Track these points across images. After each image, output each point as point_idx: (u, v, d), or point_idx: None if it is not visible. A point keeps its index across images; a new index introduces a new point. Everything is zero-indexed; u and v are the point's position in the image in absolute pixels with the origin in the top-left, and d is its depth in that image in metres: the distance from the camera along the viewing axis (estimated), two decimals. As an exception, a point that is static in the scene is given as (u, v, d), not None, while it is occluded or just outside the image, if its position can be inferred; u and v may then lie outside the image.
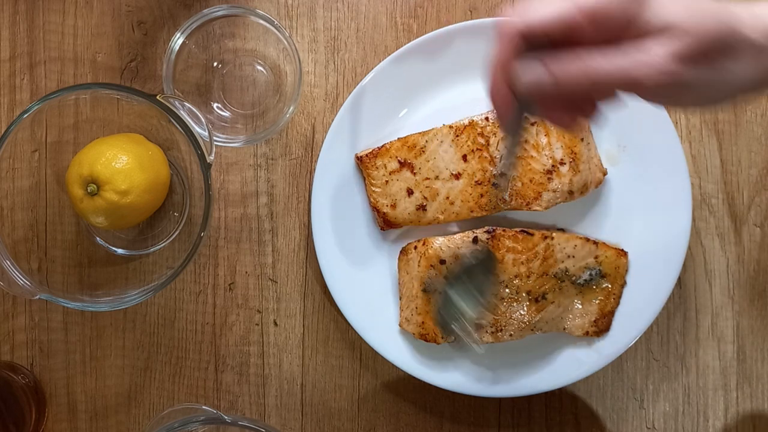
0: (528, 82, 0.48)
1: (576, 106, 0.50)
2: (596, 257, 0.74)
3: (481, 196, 0.73)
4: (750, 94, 0.50)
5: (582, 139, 0.73)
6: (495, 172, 0.55)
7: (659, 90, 0.46)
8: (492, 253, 0.62)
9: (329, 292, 0.76)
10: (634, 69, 0.46)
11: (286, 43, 0.73)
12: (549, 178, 0.72)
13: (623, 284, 0.75)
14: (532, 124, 0.72)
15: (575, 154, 0.73)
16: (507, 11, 0.48)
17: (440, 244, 0.73)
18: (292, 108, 0.74)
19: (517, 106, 0.50)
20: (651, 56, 0.46)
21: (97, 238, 0.78)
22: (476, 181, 0.73)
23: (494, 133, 0.73)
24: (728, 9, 0.48)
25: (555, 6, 0.46)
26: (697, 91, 0.48)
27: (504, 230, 0.72)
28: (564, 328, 0.75)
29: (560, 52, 0.47)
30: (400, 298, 0.76)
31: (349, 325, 0.76)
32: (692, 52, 0.46)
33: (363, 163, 0.75)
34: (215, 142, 0.71)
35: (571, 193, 0.73)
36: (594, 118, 0.51)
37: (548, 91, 0.47)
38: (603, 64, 0.46)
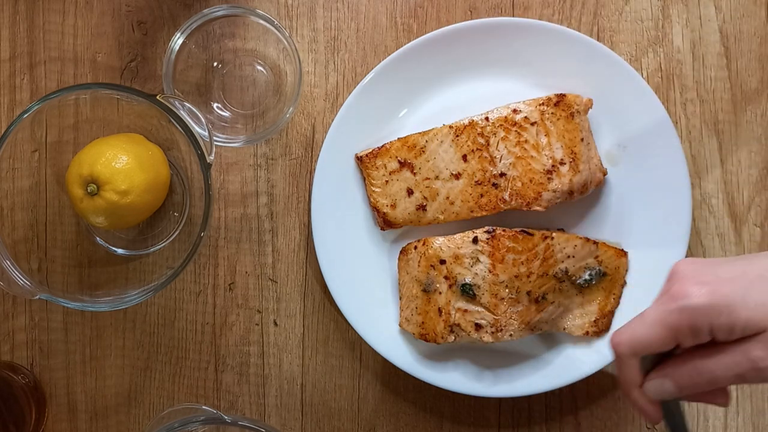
0: (656, 395, 0.56)
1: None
2: (596, 257, 0.74)
3: (481, 196, 0.73)
4: None
5: (582, 139, 0.73)
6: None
7: (764, 379, 0.52)
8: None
9: (329, 292, 0.76)
10: (739, 368, 0.51)
11: (286, 43, 0.73)
12: (549, 178, 0.72)
13: (623, 284, 0.75)
14: (532, 124, 0.72)
15: (575, 154, 0.73)
16: (613, 335, 0.56)
17: (440, 244, 0.73)
18: (292, 108, 0.74)
19: (663, 407, 0.57)
20: (753, 358, 0.51)
21: (97, 238, 0.78)
22: (476, 181, 0.73)
23: (494, 133, 0.73)
24: None
25: (649, 329, 0.54)
26: None
27: (504, 230, 0.72)
28: (564, 328, 0.75)
29: (676, 359, 0.55)
30: (400, 298, 0.76)
31: (349, 325, 0.76)
32: None
33: (363, 163, 0.75)
34: (215, 142, 0.71)
35: (571, 193, 0.73)
36: (723, 404, 0.57)
37: (674, 394, 0.55)
38: (713, 369, 0.52)
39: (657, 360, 0.57)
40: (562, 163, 0.72)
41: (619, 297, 0.75)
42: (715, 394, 0.56)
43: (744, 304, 0.51)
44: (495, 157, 0.73)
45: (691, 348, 0.54)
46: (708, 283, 0.52)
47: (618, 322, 0.75)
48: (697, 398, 0.56)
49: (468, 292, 0.72)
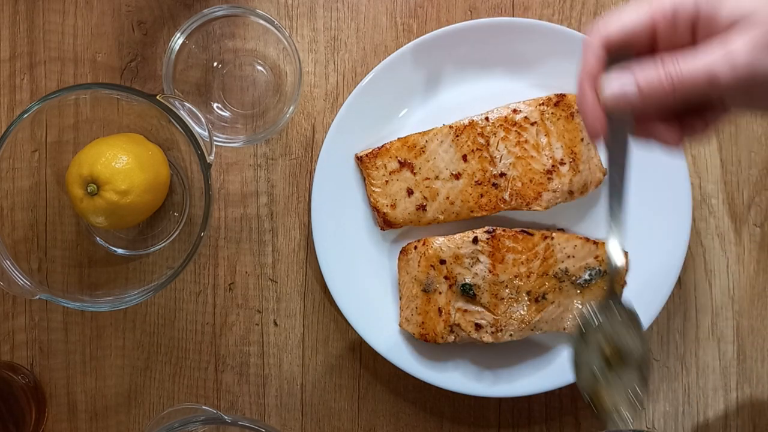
0: (614, 93, 0.48)
1: (678, 122, 0.51)
2: (596, 257, 0.74)
3: (481, 196, 0.73)
4: None
5: (582, 139, 0.73)
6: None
7: (742, 86, 0.46)
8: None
9: (329, 292, 0.76)
10: (714, 64, 0.45)
11: (286, 43, 0.73)
12: (549, 178, 0.72)
13: (623, 284, 0.75)
14: (532, 124, 0.73)
15: (575, 154, 0.73)
16: (590, 27, 0.48)
17: (440, 244, 0.73)
18: (292, 108, 0.74)
19: (612, 122, 0.50)
20: (730, 51, 0.45)
21: (97, 238, 0.78)
22: (476, 181, 0.73)
23: (494, 133, 0.73)
24: None
25: (631, 13, 0.48)
26: None
27: (504, 230, 0.72)
28: (564, 328, 0.75)
29: (643, 61, 0.48)
30: (400, 298, 0.76)
31: (349, 325, 0.76)
32: None
33: (363, 163, 0.75)
34: (215, 142, 0.71)
35: (571, 193, 0.73)
36: (700, 135, 0.50)
37: (635, 101, 0.48)
38: (681, 66, 0.46)
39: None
40: (562, 163, 0.72)
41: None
42: (670, 130, 0.50)
43: None
44: (495, 157, 0.73)
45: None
46: None
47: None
48: (651, 131, 0.51)
49: (468, 292, 0.72)
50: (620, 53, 0.49)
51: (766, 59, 0.45)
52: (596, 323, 0.54)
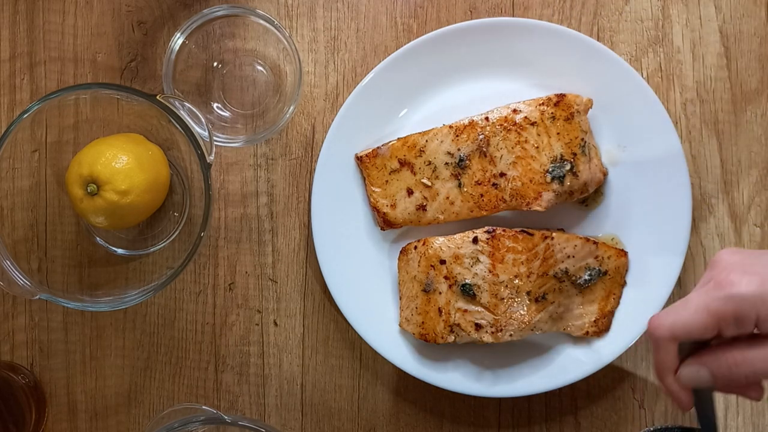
0: (691, 383, 0.55)
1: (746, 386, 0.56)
2: (596, 257, 0.74)
3: (481, 196, 0.73)
4: None
5: (582, 139, 0.73)
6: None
7: None
8: None
9: (329, 292, 0.76)
10: None
11: (286, 43, 0.73)
12: (549, 178, 0.72)
13: (623, 284, 0.75)
14: (532, 124, 0.73)
15: (575, 154, 0.73)
16: (655, 321, 0.55)
17: (440, 244, 0.73)
18: (292, 108, 0.74)
19: (695, 395, 0.56)
20: None
21: (97, 238, 0.78)
22: (476, 181, 0.73)
23: (494, 133, 0.73)
24: None
25: (692, 314, 0.52)
26: None
27: (504, 230, 0.72)
28: (564, 328, 0.75)
29: (715, 349, 0.54)
30: (400, 298, 0.76)
31: (349, 325, 0.76)
32: None
33: (363, 163, 0.75)
34: (215, 142, 0.71)
35: (571, 193, 0.73)
36: (756, 398, 0.56)
37: (709, 383, 0.54)
38: (753, 360, 0.52)
39: (694, 348, 0.56)
40: (562, 163, 0.72)
41: (619, 297, 0.75)
42: (749, 387, 0.55)
43: None
44: (495, 157, 0.73)
45: (731, 339, 0.53)
46: (756, 274, 0.51)
47: (618, 322, 0.75)
48: (730, 390, 0.56)
49: (468, 292, 0.72)
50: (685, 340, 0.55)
51: None
52: None
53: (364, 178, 0.76)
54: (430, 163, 0.74)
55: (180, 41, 0.73)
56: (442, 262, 0.73)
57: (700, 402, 0.57)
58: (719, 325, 0.52)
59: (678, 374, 0.55)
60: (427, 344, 0.76)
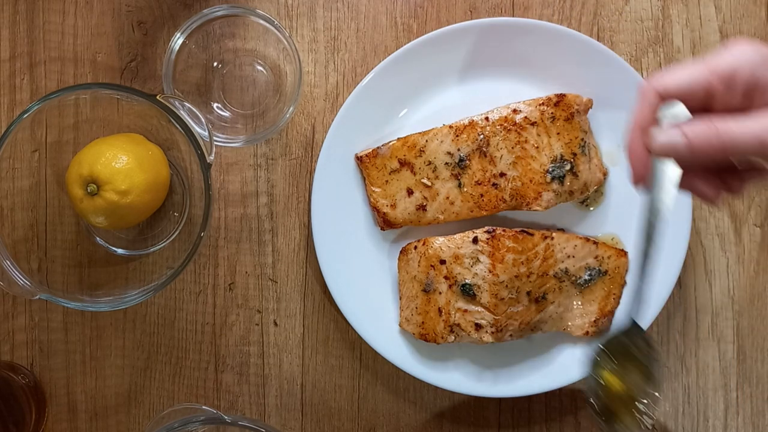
0: (663, 143, 0.51)
1: (718, 178, 0.53)
2: (596, 257, 0.74)
3: (481, 196, 0.73)
4: None
5: (582, 139, 0.73)
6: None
7: None
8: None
9: (329, 292, 0.76)
10: (764, 131, 0.48)
11: (286, 43, 0.73)
12: (549, 178, 0.72)
13: (623, 284, 0.75)
14: (532, 124, 0.73)
15: (575, 154, 0.73)
16: (648, 78, 0.50)
17: (440, 244, 0.73)
18: (292, 108, 0.74)
19: (655, 168, 0.52)
20: None
21: (97, 238, 0.78)
22: (476, 181, 0.73)
23: (494, 133, 0.73)
24: None
25: (690, 70, 0.50)
26: None
27: (504, 230, 0.72)
28: (564, 328, 0.75)
29: (695, 118, 0.50)
30: (400, 298, 0.76)
31: (349, 325, 0.76)
32: None
33: (363, 163, 0.75)
34: (215, 142, 0.71)
35: (571, 193, 0.73)
36: (737, 192, 0.53)
37: (682, 153, 0.50)
38: (733, 128, 0.49)
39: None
40: (562, 163, 0.72)
41: (619, 297, 0.75)
42: (727, 179, 0.53)
43: None
44: (495, 157, 0.73)
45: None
46: (761, 45, 0.50)
47: (618, 321, 0.75)
48: (691, 184, 0.53)
49: (468, 292, 0.72)
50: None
51: None
52: (615, 363, 0.58)
53: (364, 178, 0.76)
54: (430, 163, 0.74)
55: (180, 41, 0.73)
56: (442, 262, 0.73)
57: (655, 189, 0.53)
58: (711, 84, 0.50)
59: (652, 136, 0.51)
60: (427, 344, 0.76)
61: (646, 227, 0.55)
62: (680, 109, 0.51)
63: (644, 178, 0.53)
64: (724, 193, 0.54)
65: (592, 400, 0.58)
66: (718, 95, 0.50)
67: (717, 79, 0.50)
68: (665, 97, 0.51)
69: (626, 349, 0.58)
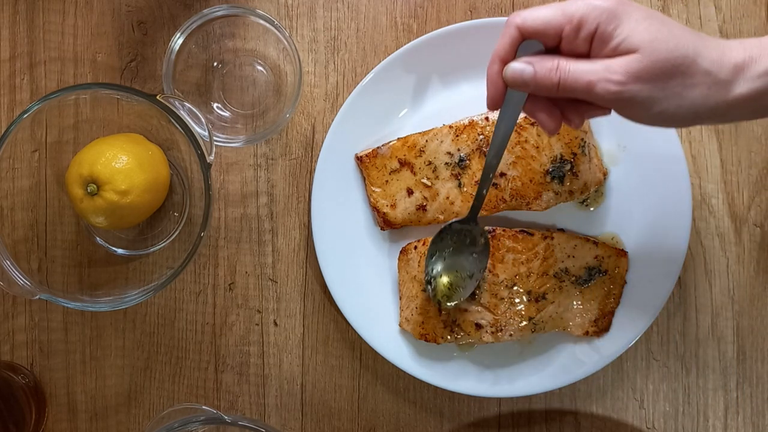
0: (514, 71, 0.57)
1: (559, 110, 0.59)
2: (596, 257, 0.74)
3: (481, 196, 0.73)
4: (706, 122, 0.57)
5: (582, 139, 0.73)
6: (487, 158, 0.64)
7: (611, 100, 0.54)
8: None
9: (329, 292, 0.76)
10: (593, 76, 0.54)
11: (286, 43, 0.73)
12: (549, 178, 0.72)
13: (623, 284, 0.75)
14: (533, 124, 0.73)
15: (575, 154, 0.73)
16: (513, 13, 0.57)
17: (440, 244, 0.73)
18: (292, 108, 0.74)
19: (507, 94, 0.59)
20: (609, 70, 0.54)
21: (97, 238, 0.78)
22: (476, 181, 0.73)
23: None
24: (695, 39, 0.55)
25: (548, 11, 0.56)
26: (647, 108, 0.55)
27: (504, 230, 0.72)
28: (564, 328, 0.75)
29: (545, 55, 0.57)
30: (400, 298, 0.76)
31: (349, 325, 0.76)
32: (645, 73, 0.53)
33: (363, 163, 0.75)
34: (215, 142, 0.71)
35: (571, 193, 0.73)
36: (575, 126, 0.60)
37: (529, 83, 0.57)
38: (571, 68, 0.55)
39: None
40: (562, 163, 0.72)
41: (619, 297, 0.75)
42: (567, 112, 0.59)
43: (633, 22, 0.54)
44: (495, 157, 0.73)
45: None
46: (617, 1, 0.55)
47: (618, 322, 0.75)
48: (534, 113, 0.59)
49: (468, 292, 0.72)
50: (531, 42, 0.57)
51: (633, 86, 0.53)
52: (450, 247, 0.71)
53: (364, 178, 0.76)
54: (430, 163, 0.74)
55: (180, 41, 0.73)
56: (442, 262, 0.73)
57: (506, 112, 0.60)
58: (563, 26, 0.55)
59: (507, 67, 0.58)
60: (427, 344, 0.76)
61: (494, 140, 0.62)
62: (537, 46, 0.58)
63: (498, 104, 0.60)
64: (561, 123, 0.60)
65: (427, 285, 0.71)
66: (567, 38, 0.56)
67: (568, 23, 0.55)
68: (523, 33, 0.57)
69: (461, 237, 0.70)
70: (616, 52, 0.54)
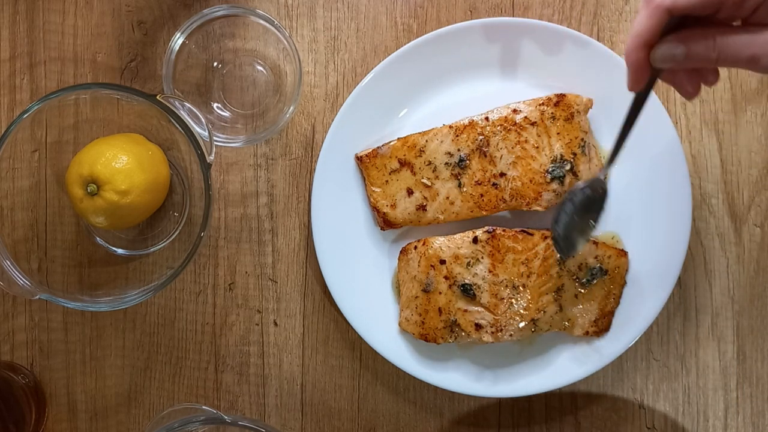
0: (664, 55, 0.53)
1: (699, 74, 0.56)
2: (596, 257, 0.74)
3: (481, 196, 0.73)
4: None
5: (582, 139, 0.73)
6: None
7: None
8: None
9: (329, 292, 0.76)
10: (758, 49, 0.51)
11: (286, 43, 0.73)
12: (549, 178, 0.72)
13: (623, 284, 0.75)
14: (532, 124, 0.73)
15: (575, 154, 0.73)
16: None
17: (440, 244, 0.73)
18: (292, 108, 0.74)
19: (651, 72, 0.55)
20: None
21: (97, 238, 0.78)
22: (476, 181, 0.73)
23: (494, 133, 0.73)
24: None
25: None
26: None
27: (504, 230, 0.72)
28: (564, 328, 0.75)
29: (694, 28, 0.52)
30: (400, 298, 0.76)
31: (349, 325, 0.76)
32: None
33: (363, 163, 0.75)
34: (215, 142, 0.71)
35: (571, 193, 0.73)
36: (713, 84, 0.57)
37: (681, 62, 0.53)
38: (731, 44, 0.51)
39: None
40: (562, 163, 0.72)
41: (619, 297, 0.75)
42: (706, 74, 0.56)
43: None
44: (495, 156, 0.73)
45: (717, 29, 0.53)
46: None
47: (618, 322, 0.75)
48: (674, 80, 0.57)
49: (468, 292, 0.72)
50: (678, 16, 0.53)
51: None
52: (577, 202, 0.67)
53: (364, 178, 0.76)
54: (430, 163, 0.74)
55: (180, 41, 0.73)
56: (442, 262, 0.73)
57: (643, 92, 0.57)
58: (726, 1, 0.51)
59: (654, 50, 0.54)
60: (427, 344, 0.76)
61: (630, 113, 0.59)
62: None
63: (642, 86, 0.56)
64: (700, 85, 0.57)
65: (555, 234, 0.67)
66: (725, 8, 0.51)
67: None
68: (674, 13, 0.52)
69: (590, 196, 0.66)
70: None
